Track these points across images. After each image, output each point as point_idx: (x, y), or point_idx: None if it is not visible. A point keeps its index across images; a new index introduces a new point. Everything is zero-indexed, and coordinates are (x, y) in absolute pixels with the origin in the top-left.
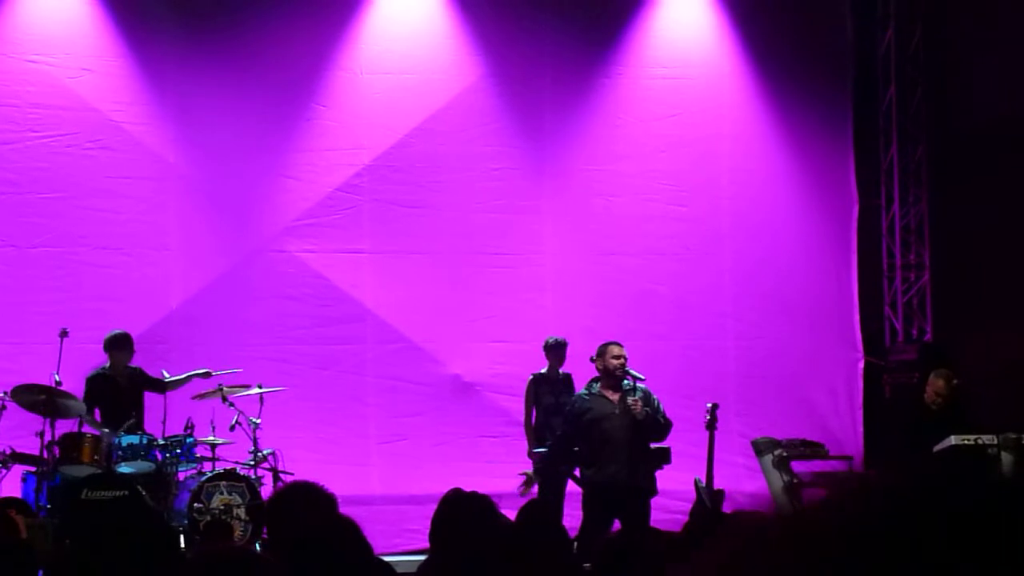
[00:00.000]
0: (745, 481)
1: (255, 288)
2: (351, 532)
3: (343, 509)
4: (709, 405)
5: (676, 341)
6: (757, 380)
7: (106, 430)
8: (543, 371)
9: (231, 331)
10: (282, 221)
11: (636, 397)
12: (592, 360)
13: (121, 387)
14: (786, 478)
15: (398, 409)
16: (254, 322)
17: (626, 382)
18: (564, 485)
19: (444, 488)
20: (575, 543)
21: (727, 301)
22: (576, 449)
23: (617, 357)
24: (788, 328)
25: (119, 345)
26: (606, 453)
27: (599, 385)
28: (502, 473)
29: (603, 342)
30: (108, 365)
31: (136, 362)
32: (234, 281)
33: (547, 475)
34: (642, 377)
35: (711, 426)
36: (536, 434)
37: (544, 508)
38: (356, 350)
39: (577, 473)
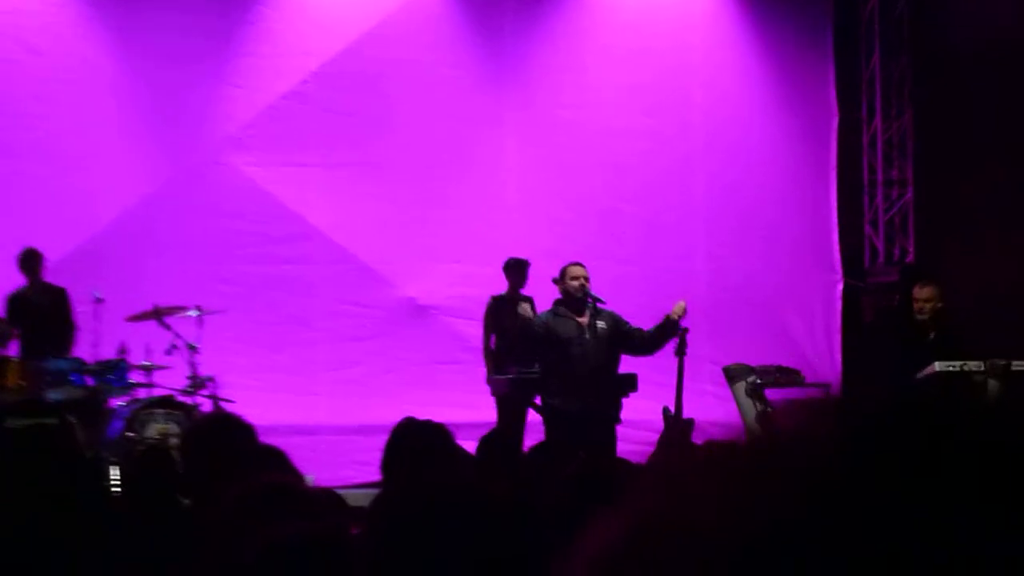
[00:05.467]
0: (716, 410)
1: (194, 204)
2: (275, 461)
3: (288, 439)
4: (679, 331)
5: (644, 262)
6: (729, 304)
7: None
8: (503, 293)
9: (168, 250)
10: (223, 132)
11: (603, 323)
12: (555, 282)
13: (39, 308)
14: (759, 406)
15: (348, 334)
16: (192, 240)
17: (589, 304)
18: (524, 414)
19: (396, 418)
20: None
21: (699, 220)
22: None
23: (576, 278)
24: (763, 249)
25: (26, 263)
26: (572, 379)
27: (562, 307)
28: (459, 402)
29: (565, 263)
30: (28, 285)
31: (64, 281)
32: (172, 196)
33: (509, 403)
34: (602, 300)
35: (680, 352)
36: (496, 360)
37: (504, 438)
38: (303, 271)
39: (539, 401)
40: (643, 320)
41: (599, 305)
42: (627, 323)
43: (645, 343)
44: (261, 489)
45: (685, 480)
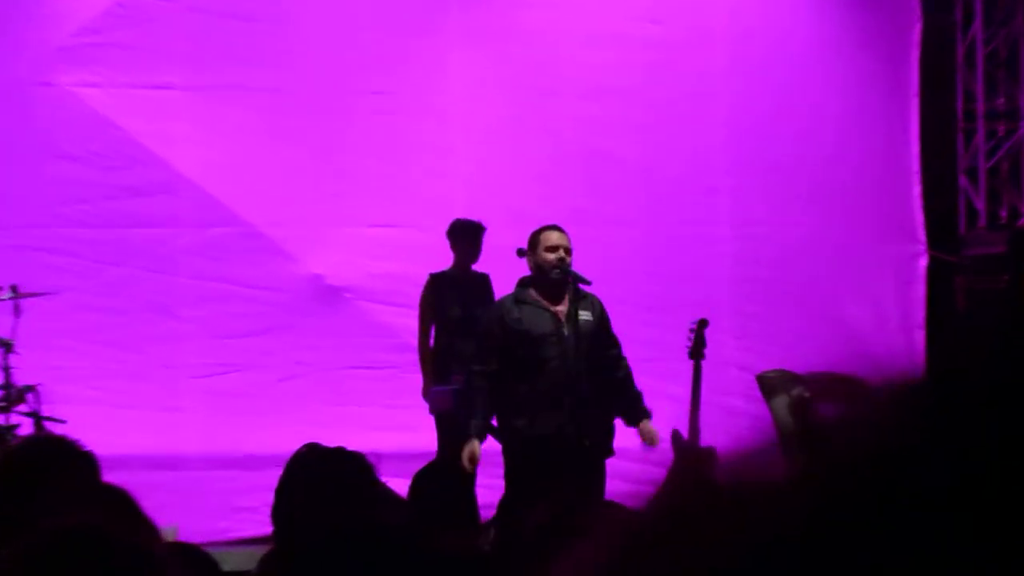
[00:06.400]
0: (747, 433)
1: (8, 141)
2: (117, 506)
3: (141, 474)
4: (694, 323)
5: (646, 229)
6: (765, 286)
7: None
8: (447, 270)
9: None
10: (51, 39)
11: (587, 313)
12: (521, 254)
13: None
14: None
15: (226, 326)
16: (6, 193)
17: (569, 287)
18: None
19: (294, 445)
20: (491, 527)
21: (721, 171)
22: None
23: (552, 248)
24: (811, 210)
25: None
26: (544, 392)
27: (532, 290)
28: (384, 422)
29: (537, 227)
30: None
31: None
32: None
33: (453, 426)
34: (588, 281)
35: (696, 354)
36: (436, 363)
37: (446, 475)
38: (163, 236)
39: (496, 423)
40: (642, 310)
41: (582, 287)
42: (609, 327)
43: (605, 388)
44: (61, 538)
45: (702, 536)
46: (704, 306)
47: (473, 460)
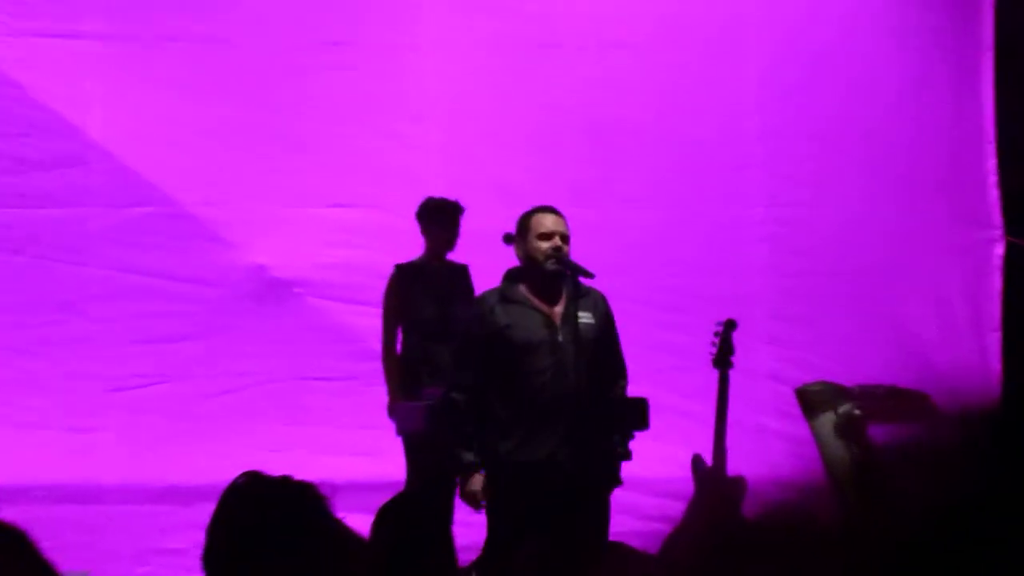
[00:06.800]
0: (783, 459)
1: None
2: (13, 552)
3: (44, 509)
4: (719, 325)
5: (661, 210)
6: (807, 279)
7: None
8: (417, 259)
9: None
10: None
11: (589, 315)
12: (508, 240)
13: None
14: (858, 452)
15: (147, 328)
16: None
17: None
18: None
19: (231, 473)
20: (471, 573)
21: (752, 139)
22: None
23: (548, 235)
24: (862, 188)
25: None
26: (535, 411)
27: (521, 286)
28: (341, 445)
29: (528, 209)
30: None
31: None
32: None
33: (425, 449)
34: (591, 274)
35: (722, 362)
36: (405, 374)
37: (418, 510)
38: (70, 218)
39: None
40: (657, 309)
41: (583, 282)
42: (614, 331)
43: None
44: None
45: None
46: (732, 304)
47: (477, 500)
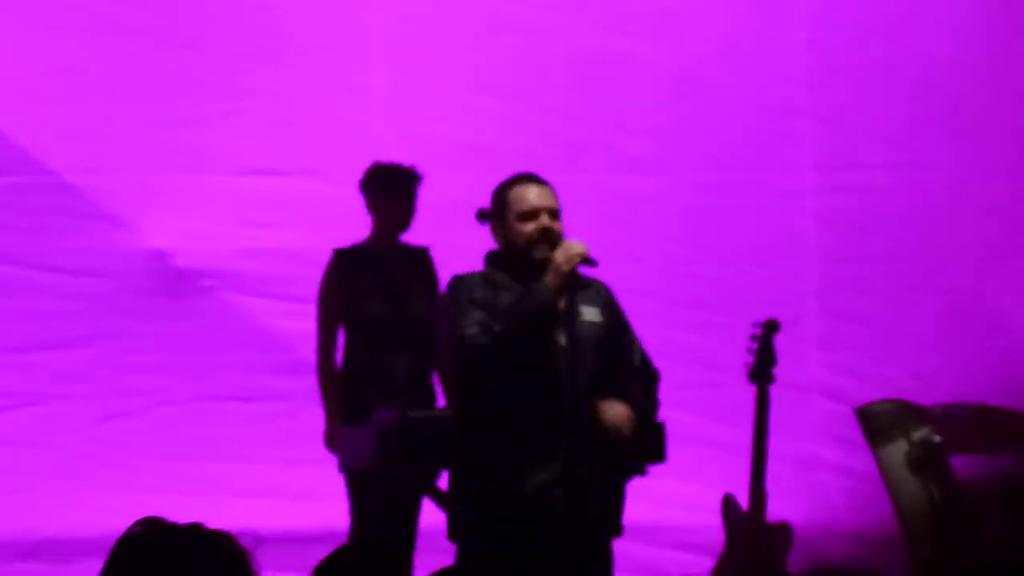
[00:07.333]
0: (839, 500)
1: None
2: None
3: None
4: (758, 327)
5: (682, 177)
6: (867, 269)
7: None
8: (363, 242)
9: None
10: None
11: (592, 310)
12: (481, 217)
13: None
14: (938, 491)
15: (15, 333)
16: None
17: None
18: (413, 511)
19: (126, 521)
20: None
21: (800, 87)
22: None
23: (532, 213)
24: (941, 150)
25: None
26: (523, 433)
27: (506, 276)
28: (266, 484)
29: (507, 176)
30: None
31: None
32: None
33: (374, 487)
34: (594, 262)
35: (761, 375)
36: (348, 391)
37: (365, 566)
38: None
39: (444, 484)
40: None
41: (583, 270)
42: (625, 322)
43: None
44: None
45: None
46: (774, 300)
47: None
